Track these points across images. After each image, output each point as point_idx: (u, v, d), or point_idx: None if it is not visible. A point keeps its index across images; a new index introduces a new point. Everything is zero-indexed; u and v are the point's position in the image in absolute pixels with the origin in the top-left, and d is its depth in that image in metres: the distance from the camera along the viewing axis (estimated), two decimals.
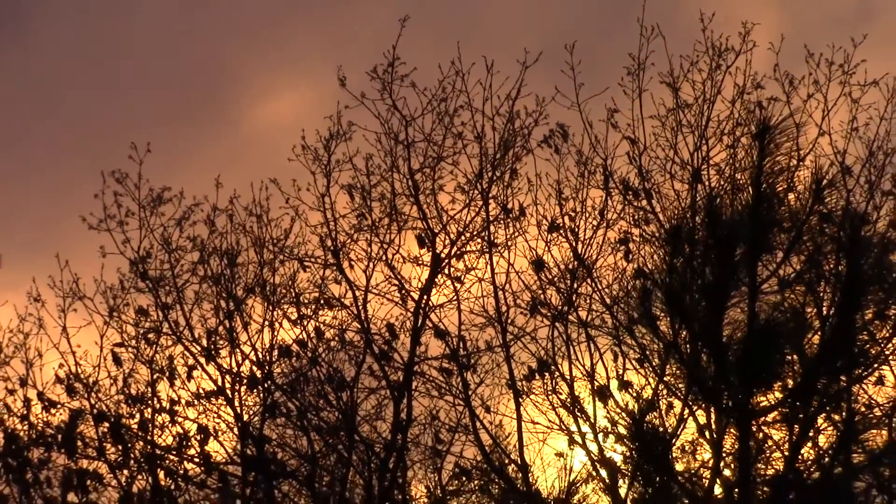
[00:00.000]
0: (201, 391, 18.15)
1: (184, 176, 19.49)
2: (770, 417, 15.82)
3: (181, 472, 18.14)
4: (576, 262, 17.81)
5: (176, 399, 18.11)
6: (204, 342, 18.15)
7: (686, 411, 17.11)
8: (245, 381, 18.12)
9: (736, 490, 15.71)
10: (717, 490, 16.52)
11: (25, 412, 17.91)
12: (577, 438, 17.60)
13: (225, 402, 18.10)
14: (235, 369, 18.14)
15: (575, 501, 18.15)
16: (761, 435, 15.95)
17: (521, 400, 17.77)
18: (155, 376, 18.13)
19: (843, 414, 16.47)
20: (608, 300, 17.76)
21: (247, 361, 18.17)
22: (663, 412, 17.31)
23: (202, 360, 18.19)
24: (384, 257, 18.17)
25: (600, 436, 17.51)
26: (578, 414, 17.62)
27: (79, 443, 17.77)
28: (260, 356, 18.19)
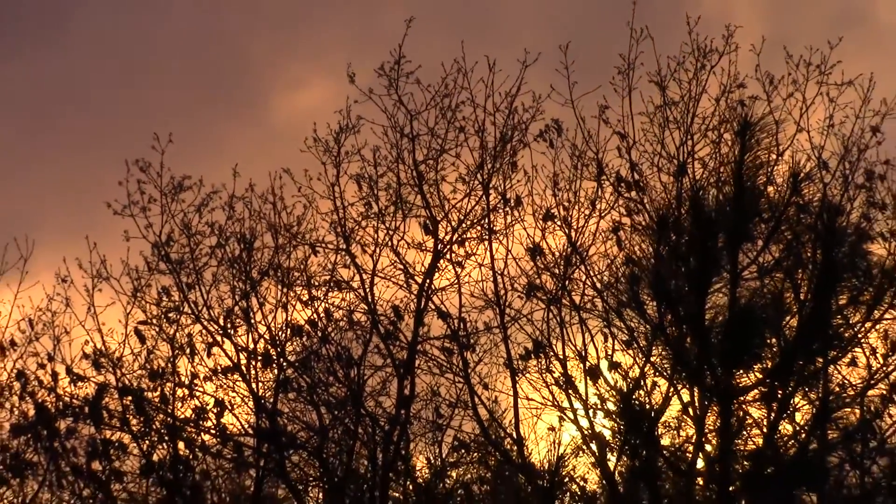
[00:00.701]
0: (218, 367, 18.67)
1: (212, 164, 19.92)
2: (750, 396, 16.63)
3: (199, 442, 18.69)
4: (570, 250, 18.24)
5: (195, 374, 18.65)
6: (221, 321, 18.69)
7: (671, 390, 17.49)
8: (259, 358, 18.72)
9: (717, 464, 16.47)
10: (700, 464, 17.05)
11: (53, 385, 18.47)
12: (569, 415, 18.08)
13: (240, 378, 18.67)
14: (251, 347, 18.68)
15: (565, 473, 18.46)
16: (741, 413, 16.67)
17: (517, 378, 18.23)
18: (175, 353, 18.62)
19: (819, 393, 17.09)
20: (599, 285, 18.16)
21: (261, 340, 18.72)
22: (649, 391, 17.71)
23: (219, 338, 18.71)
24: (390, 243, 18.66)
25: (591, 412, 17.97)
26: (570, 391, 18.10)
27: (104, 414, 18.34)
28: (273, 335, 18.70)
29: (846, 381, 18.07)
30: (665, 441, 17.36)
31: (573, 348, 18.15)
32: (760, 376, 16.72)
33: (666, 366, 17.49)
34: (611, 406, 17.96)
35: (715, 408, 16.77)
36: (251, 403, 18.75)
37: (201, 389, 18.71)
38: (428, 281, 18.62)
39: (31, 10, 34.08)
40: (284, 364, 18.85)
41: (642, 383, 17.67)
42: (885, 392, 18.16)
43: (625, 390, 17.79)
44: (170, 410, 18.62)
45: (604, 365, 18.12)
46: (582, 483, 18.53)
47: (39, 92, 32.79)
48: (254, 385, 18.70)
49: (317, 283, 18.86)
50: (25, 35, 33.90)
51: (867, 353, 18.10)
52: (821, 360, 17.19)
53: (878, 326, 17.86)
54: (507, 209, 18.53)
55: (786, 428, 17.23)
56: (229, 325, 18.73)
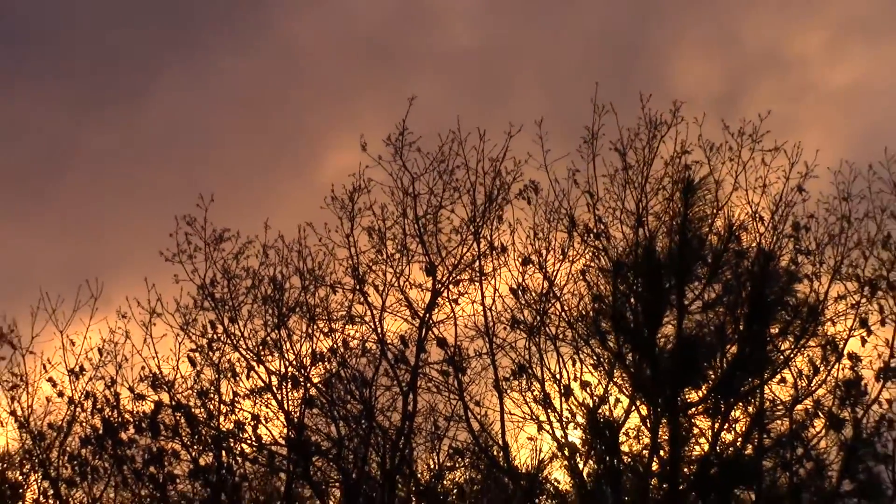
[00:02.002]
0: (254, 388, 19.75)
1: (273, 215, 20.63)
2: (696, 410, 18.78)
3: (238, 450, 19.80)
4: (546, 289, 19.31)
5: (235, 394, 19.70)
6: (256, 350, 19.76)
7: (630, 405, 18.97)
8: (288, 380, 19.69)
9: (669, 467, 18.53)
10: (655, 467, 18.68)
11: (117, 403, 19.58)
12: (546, 426, 19.18)
13: (272, 397, 19.67)
14: (281, 371, 19.69)
15: (543, 475, 19.44)
16: (689, 424, 18.83)
17: (503, 396, 19.32)
18: (218, 376, 19.71)
19: (755, 407, 19.01)
20: (571, 319, 19.20)
21: (290, 365, 19.76)
22: (612, 406, 19.03)
23: (255, 363, 19.74)
24: (396, 284, 19.75)
25: (564, 424, 19.17)
26: (547, 407, 19.20)
27: (159, 427, 19.43)
28: (300, 361, 19.78)
29: (777, 398, 19.24)
30: (625, 448, 18.99)
31: (549, 371, 19.25)
32: (704, 393, 18.77)
33: (626, 385, 19.07)
34: (580, 419, 19.15)
35: (666, 420, 18.66)
36: (282, 418, 19.65)
37: (240, 406, 19.75)
38: (428, 315, 19.67)
39: (116, 81, 35.59)
40: (309, 385, 19.78)
41: (606, 400, 19.05)
42: (810, 407, 19.18)
43: (592, 406, 19.00)
44: (214, 424, 19.67)
45: (574, 385, 19.18)
46: (556, 484, 19.45)
47: (123, 152, 34.58)
48: (284, 403, 19.66)
49: (335, 318, 19.90)
50: (108, 104, 35.48)
51: (795, 375, 19.21)
52: (756, 380, 19.02)
53: (804, 352, 19.16)
54: (494, 255, 19.60)
55: (726, 437, 18.97)
56: (263, 353, 19.76)
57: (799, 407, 19.20)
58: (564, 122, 19.38)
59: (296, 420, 19.69)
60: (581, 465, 19.15)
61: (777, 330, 19.09)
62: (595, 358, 19.16)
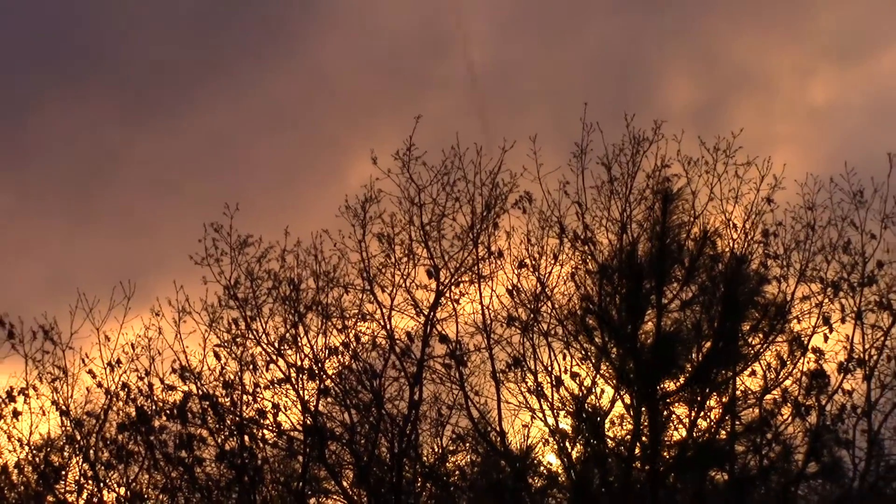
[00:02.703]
0: (274, 379, 19.87)
1: (301, 222, 21.97)
2: (674, 399, 19.07)
3: (260, 436, 19.95)
4: (539, 290, 19.67)
5: (256, 384, 19.85)
6: (276, 344, 19.87)
7: (615, 395, 19.07)
8: (305, 372, 19.81)
9: (650, 450, 18.77)
10: (637, 451, 18.86)
11: (150, 393, 19.72)
12: (539, 414, 19.43)
13: (291, 387, 19.83)
14: (298, 364, 19.82)
15: (535, 458, 19.61)
16: (668, 412, 19.14)
17: (500, 386, 19.57)
18: (242, 368, 19.87)
19: (727, 397, 19.43)
20: (561, 317, 19.52)
21: (306, 358, 19.86)
22: (599, 395, 19.30)
23: (275, 357, 19.85)
24: (403, 285, 20.00)
25: (555, 412, 19.42)
26: (540, 396, 19.47)
27: (188, 415, 19.63)
28: (316, 354, 19.88)
29: (748, 388, 19.71)
30: (610, 434, 19.20)
31: (542, 364, 19.54)
32: (682, 384, 18.98)
33: (611, 377, 19.31)
34: (570, 407, 19.38)
35: (647, 408, 18.89)
36: (299, 406, 19.81)
37: (261, 396, 19.91)
38: (432, 313, 19.88)
39: (161, 95, 36.72)
40: (324, 376, 19.91)
41: (593, 390, 19.33)
42: (777, 396, 19.62)
43: (580, 395, 19.30)
44: (238, 412, 19.79)
45: (565, 376, 19.41)
46: (548, 465, 19.63)
47: (163, 161, 35.86)
48: (301, 392, 19.81)
49: (348, 316, 20.09)
50: (153, 116, 36.71)
51: (764, 367, 19.72)
52: (728, 372, 19.41)
53: (772, 347, 19.63)
54: (492, 259, 19.92)
55: (702, 423, 19.28)
56: (282, 348, 19.86)
57: (768, 396, 19.62)
58: (566, 136, 19.83)
59: (312, 408, 19.90)
60: (570, 449, 19.39)
61: (748, 327, 19.39)
62: (583, 352, 19.44)
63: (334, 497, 20.54)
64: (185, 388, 20.02)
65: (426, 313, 20.17)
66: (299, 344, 20.13)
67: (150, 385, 20.05)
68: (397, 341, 20.18)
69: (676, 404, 19.28)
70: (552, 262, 19.91)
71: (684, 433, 19.22)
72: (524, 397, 19.79)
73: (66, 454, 19.94)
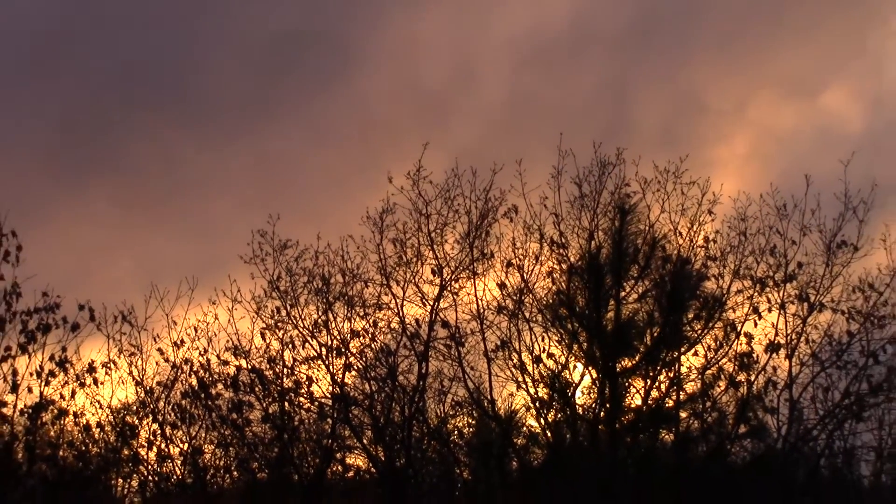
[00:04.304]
0: (309, 356, 21.92)
1: (318, 229, 23.76)
2: (631, 373, 21.23)
3: (297, 402, 21.89)
4: (523, 285, 21.70)
5: (294, 360, 21.89)
6: (310, 328, 21.91)
7: (584, 371, 21.35)
8: (333, 350, 21.75)
9: (611, 416, 20.86)
10: (601, 416, 20.79)
11: (208, 367, 21.75)
12: (523, 386, 21.57)
13: (322, 363, 21.86)
14: (328, 344, 21.78)
15: (518, 419, 21.49)
16: (626, 384, 21.34)
17: (490, 363, 21.65)
18: (282, 347, 21.90)
19: (674, 372, 21.49)
20: (540, 307, 21.54)
21: (335, 339, 21.85)
22: (571, 371, 21.43)
23: (309, 338, 21.82)
24: (413, 280, 22.12)
25: (535, 384, 21.51)
26: (523, 371, 21.47)
27: (240, 384, 21.62)
28: (342, 336, 21.87)
29: (691, 365, 21.83)
30: (580, 402, 21.39)
31: (525, 345, 21.63)
32: (636, 362, 21.13)
33: (580, 356, 21.36)
34: (547, 381, 21.35)
35: (609, 382, 21.05)
36: (328, 378, 21.86)
37: (298, 370, 21.85)
38: (436, 303, 21.95)
39: (235, 119, 41.19)
40: (349, 354, 21.78)
41: (566, 366, 21.45)
42: (715, 372, 21.56)
43: (556, 371, 21.32)
44: (279, 383, 21.65)
45: (543, 355, 21.45)
46: (529, 427, 21.61)
47: (228, 177, 39.50)
48: (330, 367, 21.79)
49: (368, 305, 22.09)
50: (232, 137, 40.87)
51: (704, 348, 21.84)
52: (675, 352, 21.48)
53: (711, 332, 21.72)
54: (485, 260, 21.94)
55: (654, 394, 21.34)
56: (315, 331, 21.82)
57: (707, 372, 21.62)
58: (551, 158, 22.08)
59: (339, 380, 21.73)
60: (547, 414, 21.42)
61: (691, 315, 21.38)
62: (558, 335, 21.49)
63: (356, 452, 22.19)
64: (237, 363, 21.84)
65: (431, 304, 22.02)
66: (329, 328, 21.93)
67: (208, 360, 21.95)
68: (408, 326, 21.95)
69: (633, 378, 21.31)
70: (534, 262, 21.88)
71: (639, 401, 21.34)
72: (511, 372, 21.79)
73: (139, 416, 21.53)
